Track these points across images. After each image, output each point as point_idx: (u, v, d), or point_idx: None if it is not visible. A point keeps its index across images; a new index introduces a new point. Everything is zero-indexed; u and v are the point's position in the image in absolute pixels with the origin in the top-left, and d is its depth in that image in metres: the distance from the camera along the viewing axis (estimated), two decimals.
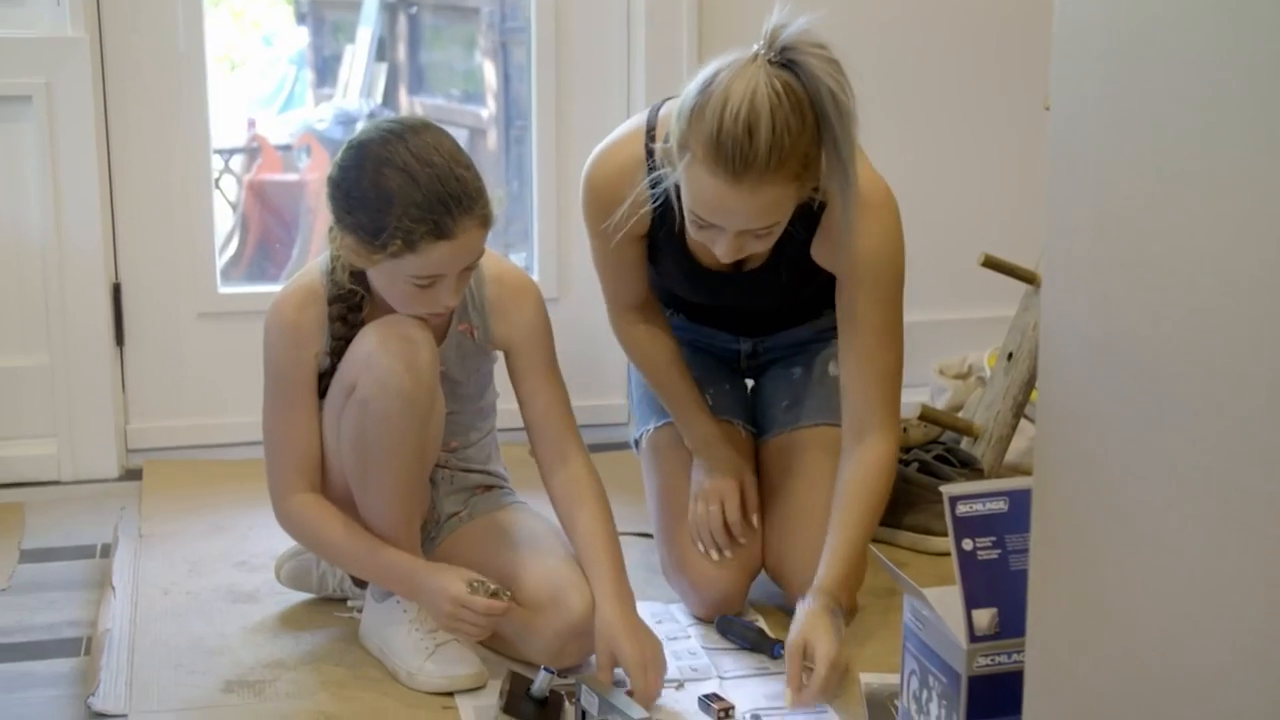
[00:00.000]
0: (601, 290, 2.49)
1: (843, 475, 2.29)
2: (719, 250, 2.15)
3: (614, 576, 2.17)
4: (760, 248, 2.18)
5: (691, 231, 2.16)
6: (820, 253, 2.30)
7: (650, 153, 2.26)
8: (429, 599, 2.15)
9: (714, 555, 2.37)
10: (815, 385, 2.53)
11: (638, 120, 2.34)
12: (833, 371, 2.50)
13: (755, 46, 2.07)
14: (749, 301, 2.47)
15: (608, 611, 2.13)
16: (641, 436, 2.56)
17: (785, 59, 2.05)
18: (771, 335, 2.59)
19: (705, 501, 2.39)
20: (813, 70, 2.03)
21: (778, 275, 2.36)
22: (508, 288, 2.30)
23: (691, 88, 2.08)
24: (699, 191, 2.08)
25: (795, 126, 2.03)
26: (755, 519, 2.42)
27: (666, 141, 2.14)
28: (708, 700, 2.04)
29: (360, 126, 2.20)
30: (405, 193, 2.05)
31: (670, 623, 2.38)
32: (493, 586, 2.13)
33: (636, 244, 2.37)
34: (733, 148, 2.02)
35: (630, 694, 2.04)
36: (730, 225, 2.10)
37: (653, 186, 2.23)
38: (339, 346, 2.19)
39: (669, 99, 2.25)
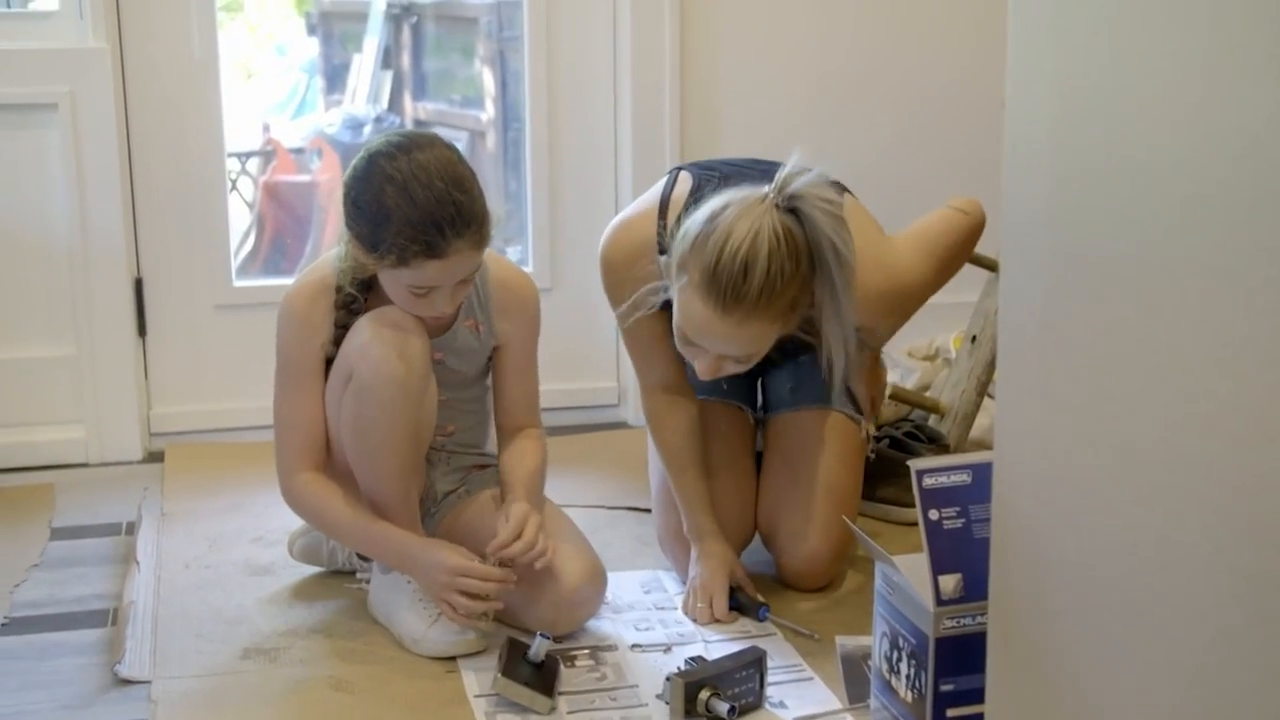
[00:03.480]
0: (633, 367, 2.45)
1: None
2: (698, 367, 2.15)
3: (528, 485, 2.20)
4: (737, 369, 2.17)
5: (678, 344, 2.15)
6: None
7: (660, 234, 2.23)
8: (423, 571, 2.14)
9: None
10: (818, 374, 2.51)
11: (651, 198, 2.30)
12: None
13: (766, 188, 2.06)
14: (750, 379, 2.49)
15: (519, 497, 2.17)
16: None
17: (792, 205, 2.04)
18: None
19: (695, 598, 2.31)
20: (817, 222, 2.03)
21: (779, 358, 2.40)
22: (512, 291, 2.29)
23: (700, 215, 2.07)
24: (689, 314, 2.08)
25: (789, 271, 2.03)
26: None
27: (667, 257, 2.13)
28: (692, 663, 2.04)
29: (368, 131, 2.17)
30: (402, 212, 2.02)
31: (659, 591, 2.37)
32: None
33: (657, 319, 2.29)
34: (727, 281, 2.01)
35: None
36: (712, 349, 2.11)
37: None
38: (340, 335, 2.18)
39: (681, 168, 2.26)
